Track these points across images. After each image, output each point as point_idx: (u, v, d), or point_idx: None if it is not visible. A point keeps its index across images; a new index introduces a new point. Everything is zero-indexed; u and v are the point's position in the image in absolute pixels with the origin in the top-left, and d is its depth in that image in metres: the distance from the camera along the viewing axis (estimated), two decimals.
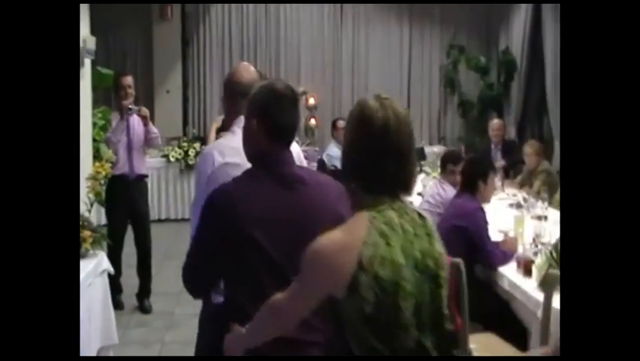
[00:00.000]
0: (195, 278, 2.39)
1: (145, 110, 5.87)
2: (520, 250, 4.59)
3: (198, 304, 2.95)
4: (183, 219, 9.14)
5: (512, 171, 8.10)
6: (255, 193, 2.29)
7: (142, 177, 6.08)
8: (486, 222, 4.64)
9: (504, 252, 4.53)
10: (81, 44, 5.85)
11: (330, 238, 1.88)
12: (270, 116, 2.35)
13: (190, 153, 9.16)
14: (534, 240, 4.62)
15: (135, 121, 5.88)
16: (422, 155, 8.72)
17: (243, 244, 2.23)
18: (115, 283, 5.65)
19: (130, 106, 5.78)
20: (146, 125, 5.90)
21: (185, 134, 10.22)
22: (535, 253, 4.31)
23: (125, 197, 5.88)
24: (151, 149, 9.31)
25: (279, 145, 2.38)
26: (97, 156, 5.99)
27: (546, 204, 5.83)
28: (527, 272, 4.12)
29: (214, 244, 2.29)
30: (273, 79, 2.90)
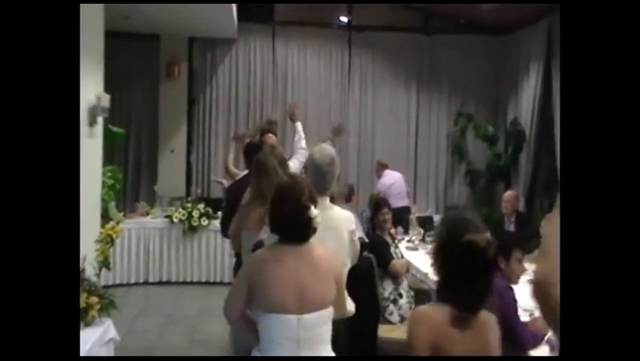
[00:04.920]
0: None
1: None
2: (549, 331, 4.36)
3: None
4: (185, 282, 8.85)
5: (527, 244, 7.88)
6: None
7: None
8: (515, 302, 4.43)
9: (534, 334, 4.30)
10: (95, 102, 5.71)
11: None
12: None
13: (194, 214, 8.87)
14: None
15: None
16: (431, 224, 8.54)
17: None
18: None
19: None
20: None
21: (188, 194, 10.02)
22: None
23: None
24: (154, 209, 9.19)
25: None
26: (105, 216, 5.78)
27: None
28: None
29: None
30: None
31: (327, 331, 3.01)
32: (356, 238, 3.83)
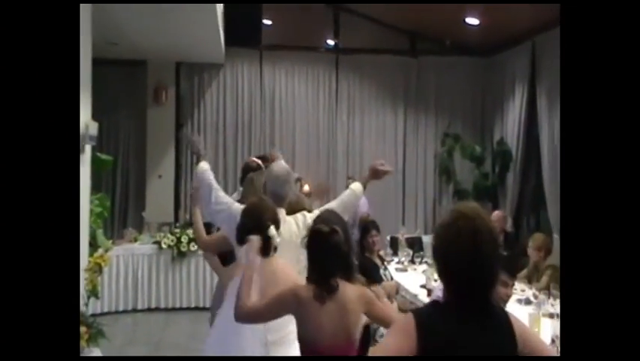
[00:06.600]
0: None
1: None
2: None
3: None
4: (174, 309, 8.80)
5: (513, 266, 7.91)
6: None
7: None
8: None
9: None
10: (83, 130, 5.69)
11: None
12: None
13: (182, 239, 8.84)
14: (553, 340, 4.39)
15: None
16: (420, 245, 8.54)
17: None
18: None
19: None
20: None
21: (177, 219, 9.98)
22: None
23: None
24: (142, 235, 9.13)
25: None
26: (92, 244, 5.74)
27: (558, 301, 5.64)
28: None
29: None
30: None
31: (293, 332, 3.14)
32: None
